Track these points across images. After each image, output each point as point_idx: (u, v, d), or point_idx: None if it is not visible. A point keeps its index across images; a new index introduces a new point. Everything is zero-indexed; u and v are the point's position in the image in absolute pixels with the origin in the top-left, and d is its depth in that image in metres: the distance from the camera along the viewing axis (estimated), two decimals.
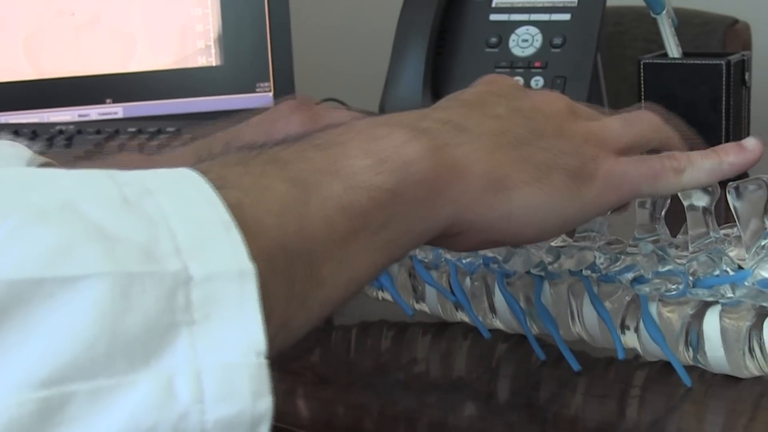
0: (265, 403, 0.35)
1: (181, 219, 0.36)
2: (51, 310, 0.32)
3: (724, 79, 1.00)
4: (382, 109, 1.22)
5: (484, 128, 0.49)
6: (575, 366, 0.60)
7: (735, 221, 0.56)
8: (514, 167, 0.48)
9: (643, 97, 1.03)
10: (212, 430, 0.34)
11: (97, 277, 0.33)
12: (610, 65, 1.26)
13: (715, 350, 0.57)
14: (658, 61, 1.04)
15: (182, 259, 0.35)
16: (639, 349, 0.60)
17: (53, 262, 0.33)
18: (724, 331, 0.56)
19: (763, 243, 0.55)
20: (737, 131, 1.01)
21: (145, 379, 0.33)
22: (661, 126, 0.57)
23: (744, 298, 0.55)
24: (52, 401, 0.31)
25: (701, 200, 0.57)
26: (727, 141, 1.00)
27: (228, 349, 0.35)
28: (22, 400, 0.31)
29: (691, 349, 0.58)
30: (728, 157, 0.54)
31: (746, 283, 0.55)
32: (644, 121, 0.56)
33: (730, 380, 0.58)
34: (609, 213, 0.61)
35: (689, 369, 0.58)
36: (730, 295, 0.55)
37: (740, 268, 0.56)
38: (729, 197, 0.55)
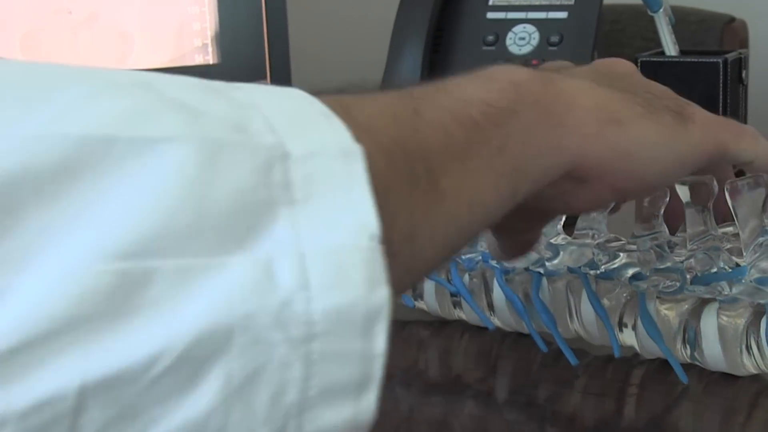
0: (382, 294, 0.30)
1: (275, 107, 0.32)
2: (127, 173, 0.28)
3: (721, 76, 1.00)
4: None
5: (581, 75, 0.47)
6: (573, 360, 0.61)
7: (733, 219, 0.56)
8: (623, 102, 0.45)
9: None
10: (320, 322, 0.29)
11: (180, 140, 0.29)
12: None
13: (712, 348, 0.57)
14: (655, 59, 1.04)
15: (278, 136, 0.31)
16: (637, 346, 0.60)
17: (129, 123, 0.29)
18: (721, 329, 0.56)
19: (760, 240, 0.55)
20: None
21: (240, 261, 0.29)
22: None
23: (741, 295, 0.55)
24: (133, 276, 0.27)
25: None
26: None
27: (336, 231, 0.30)
28: (98, 270, 0.27)
29: (688, 346, 0.58)
30: None
31: (744, 281, 0.55)
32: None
33: (727, 378, 0.58)
34: (606, 212, 0.61)
35: (687, 367, 0.58)
36: (727, 292, 0.55)
37: (737, 265, 0.56)
38: (727, 195, 0.55)
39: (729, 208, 0.55)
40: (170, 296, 0.28)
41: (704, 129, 0.49)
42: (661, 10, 1.04)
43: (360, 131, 0.33)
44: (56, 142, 0.28)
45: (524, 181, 0.41)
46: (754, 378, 0.57)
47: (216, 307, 0.28)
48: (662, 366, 0.60)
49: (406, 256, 0.34)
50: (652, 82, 0.51)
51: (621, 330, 0.60)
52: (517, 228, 0.51)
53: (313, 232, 0.30)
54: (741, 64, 1.03)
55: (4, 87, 0.30)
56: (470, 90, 0.40)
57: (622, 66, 0.53)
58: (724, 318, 0.56)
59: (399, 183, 0.35)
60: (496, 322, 0.67)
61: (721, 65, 1.00)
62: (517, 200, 0.41)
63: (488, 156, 0.39)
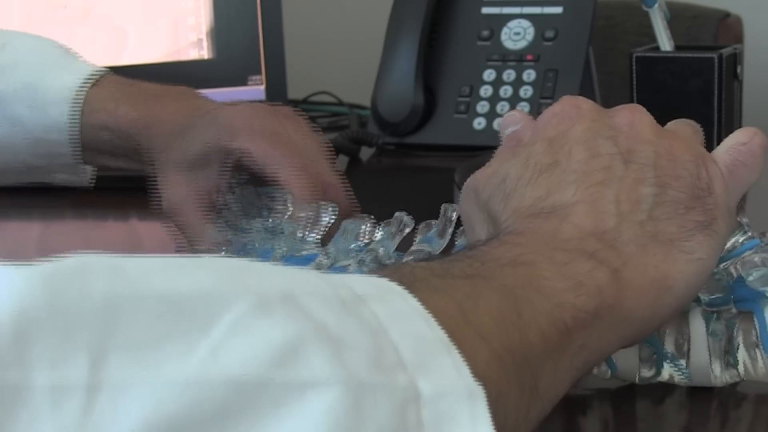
0: None
1: (399, 332, 0.35)
2: (281, 419, 0.31)
3: (716, 72, 1.00)
4: (374, 102, 1.22)
5: (625, 223, 0.48)
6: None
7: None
8: (668, 260, 0.48)
9: (635, 91, 1.03)
10: None
11: (329, 385, 0.32)
12: (602, 58, 1.26)
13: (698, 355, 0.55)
14: (650, 54, 1.04)
15: (408, 374, 0.34)
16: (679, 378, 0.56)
17: (281, 362, 0.31)
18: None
19: None
20: (729, 124, 1.01)
21: None
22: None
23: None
24: None
25: None
26: (719, 135, 1.00)
27: None
28: None
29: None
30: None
31: None
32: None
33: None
34: None
35: None
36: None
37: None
38: None
39: None
40: None
41: (726, 206, 0.51)
42: (656, 5, 1.04)
43: (476, 339, 0.37)
44: (216, 388, 0.30)
45: (589, 368, 0.47)
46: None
47: None
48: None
49: None
50: (660, 133, 0.52)
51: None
52: None
53: None
54: (736, 59, 1.03)
55: (162, 308, 0.31)
56: (565, 295, 0.44)
57: (642, 127, 0.52)
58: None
59: (510, 389, 0.39)
60: None
61: (716, 61, 1.00)
62: None
63: (572, 354, 0.43)
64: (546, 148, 0.51)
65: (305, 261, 0.62)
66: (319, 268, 0.61)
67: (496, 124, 1.15)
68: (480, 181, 0.53)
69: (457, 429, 0.33)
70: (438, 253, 0.61)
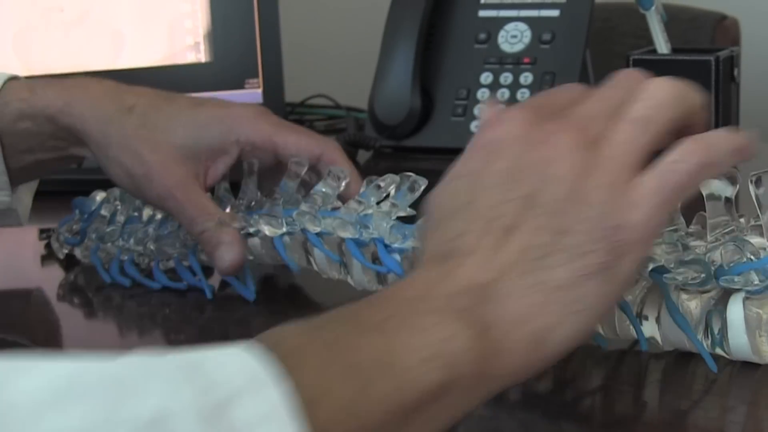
0: None
1: None
2: None
3: (713, 74, 1.00)
4: (371, 105, 1.22)
5: (509, 275, 0.49)
6: (604, 343, 0.61)
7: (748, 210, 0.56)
8: (547, 312, 0.48)
9: None
10: None
11: None
12: (599, 61, 1.26)
13: (738, 337, 0.57)
14: (647, 56, 1.04)
15: None
16: (659, 339, 0.60)
17: None
18: (748, 318, 0.56)
19: None
20: (726, 126, 1.01)
21: None
22: (683, 102, 0.56)
23: None
24: None
25: (726, 191, 0.57)
26: None
27: None
28: None
29: (710, 336, 0.58)
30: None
31: None
32: (663, 107, 0.54)
33: (750, 366, 0.58)
34: None
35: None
36: (758, 282, 0.56)
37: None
38: (751, 187, 0.55)
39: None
40: None
41: (637, 247, 0.50)
42: (653, 7, 1.04)
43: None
44: None
45: (451, 422, 0.47)
46: None
47: None
48: (680, 359, 0.60)
49: None
50: (586, 170, 0.51)
51: (641, 323, 0.60)
52: None
53: None
54: (733, 61, 1.03)
55: None
56: (416, 371, 0.44)
57: (561, 160, 0.52)
58: (752, 307, 0.56)
59: None
60: None
61: (713, 63, 1.00)
62: None
63: (423, 422, 0.44)
64: (466, 186, 0.53)
65: (333, 213, 0.71)
66: (350, 213, 0.70)
67: None
68: (429, 200, 0.55)
69: None
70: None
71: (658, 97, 0.54)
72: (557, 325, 0.48)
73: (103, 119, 0.75)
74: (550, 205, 0.50)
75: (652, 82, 0.55)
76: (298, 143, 0.76)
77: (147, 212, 0.81)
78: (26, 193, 0.83)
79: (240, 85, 1.26)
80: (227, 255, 0.72)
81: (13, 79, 0.78)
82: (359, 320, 0.46)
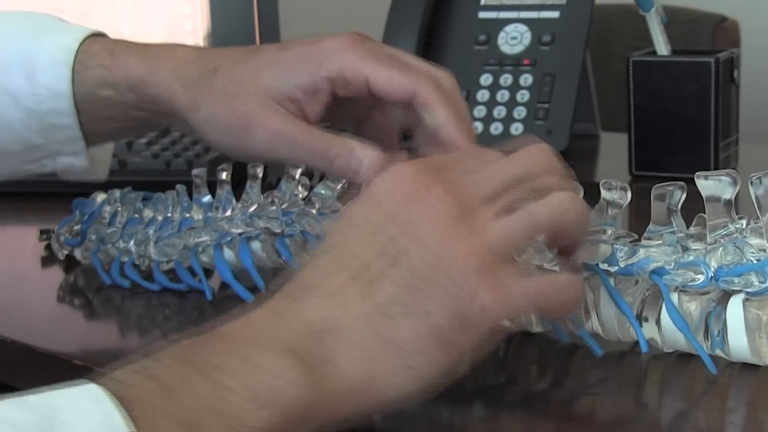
0: None
1: None
2: None
3: (713, 76, 1.00)
4: None
5: (358, 315, 0.50)
6: (598, 351, 0.61)
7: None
8: (382, 362, 0.49)
9: (632, 95, 1.03)
10: None
11: None
12: (599, 63, 1.26)
13: (738, 338, 0.57)
14: (647, 58, 1.04)
15: None
16: (658, 340, 0.60)
17: None
18: (747, 320, 0.56)
19: None
20: (726, 129, 1.01)
21: None
22: (578, 225, 0.57)
23: None
24: None
25: (726, 193, 0.57)
26: (716, 138, 1.00)
27: None
28: None
29: (710, 338, 0.58)
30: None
31: None
32: (559, 221, 0.55)
33: (750, 368, 0.58)
34: (621, 209, 0.61)
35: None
36: (757, 283, 0.56)
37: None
38: (751, 188, 0.55)
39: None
40: None
41: (484, 327, 0.51)
42: (653, 9, 1.04)
43: None
44: None
45: None
46: None
47: None
48: (681, 360, 0.60)
49: None
50: (461, 214, 0.52)
51: (641, 325, 0.60)
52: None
53: None
54: (733, 63, 1.03)
55: None
56: (245, 416, 0.46)
57: (436, 212, 0.52)
58: (752, 309, 0.56)
59: None
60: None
61: (713, 65, 1.00)
62: None
63: None
64: (345, 230, 0.54)
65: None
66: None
67: (493, 128, 1.16)
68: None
69: None
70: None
71: (560, 209, 0.55)
72: (390, 375, 0.49)
73: (190, 84, 0.74)
74: (416, 268, 0.51)
75: (564, 191, 0.56)
76: (389, 79, 0.71)
77: (147, 213, 0.81)
78: (104, 151, 0.83)
79: None
80: (370, 155, 0.72)
81: (93, 35, 0.78)
82: (196, 362, 0.47)
